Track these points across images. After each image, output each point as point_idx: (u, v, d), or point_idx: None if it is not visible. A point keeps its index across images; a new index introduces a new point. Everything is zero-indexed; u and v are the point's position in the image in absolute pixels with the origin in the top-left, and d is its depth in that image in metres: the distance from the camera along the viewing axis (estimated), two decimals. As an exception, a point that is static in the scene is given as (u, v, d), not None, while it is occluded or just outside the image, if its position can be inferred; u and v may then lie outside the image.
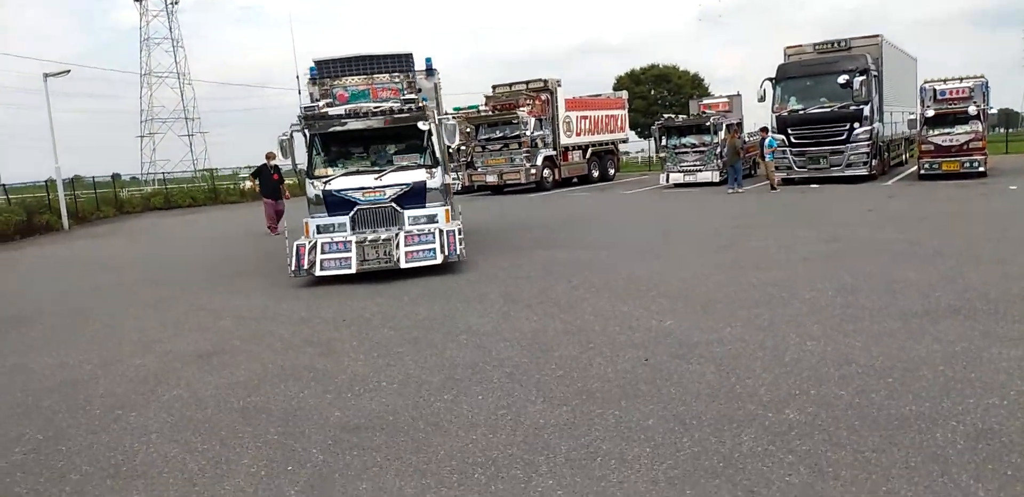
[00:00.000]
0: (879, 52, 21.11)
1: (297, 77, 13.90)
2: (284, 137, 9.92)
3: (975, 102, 19.85)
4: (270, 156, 16.41)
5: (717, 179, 23.03)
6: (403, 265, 9.52)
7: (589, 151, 28.65)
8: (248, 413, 4.95)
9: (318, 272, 9.50)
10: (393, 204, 10.07)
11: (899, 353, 5.22)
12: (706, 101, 28.01)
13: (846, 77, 19.63)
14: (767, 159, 20.49)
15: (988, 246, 9.34)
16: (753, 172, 25.58)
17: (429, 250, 9.61)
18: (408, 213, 10.03)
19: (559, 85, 26.04)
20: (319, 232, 9.94)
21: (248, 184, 29.17)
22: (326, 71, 11.52)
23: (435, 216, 10.06)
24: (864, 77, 19.76)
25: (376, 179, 10.09)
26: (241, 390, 5.45)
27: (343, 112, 10.32)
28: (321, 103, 10.94)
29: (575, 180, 28.36)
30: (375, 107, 10.44)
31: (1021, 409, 4.11)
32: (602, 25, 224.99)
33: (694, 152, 23.85)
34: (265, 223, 16.87)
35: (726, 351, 5.56)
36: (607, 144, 30.06)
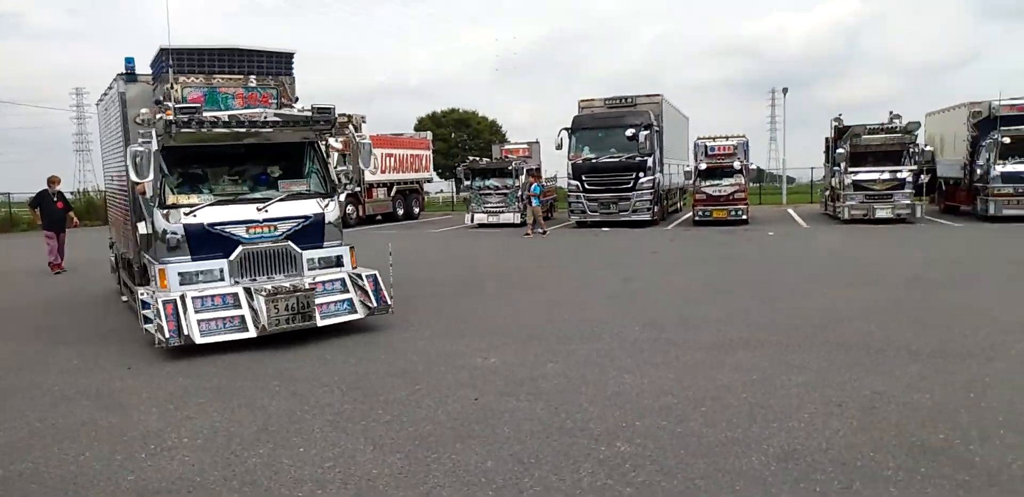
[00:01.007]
0: (660, 109, 23.43)
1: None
2: (141, 149, 7.05)
3: (739, 158, 22.63)
4: (53, 181, 14.37)
5: (518, 220, 23.92)
6: (319, 322, 7.50)
7: (394, 189, 28.57)
8: (12, 483, 4.11)
9: (199, 339, 6.98)
10: (289, 243, 7.83)
11: (707, 383, 5.61)
12: (508, 146, 29.25)
13: (633, 130, 21.49)
14: (534, 204, 21.58)
15: (761, 286, 10.50)
16: (551, 215, 26.93)
17: (342, 302, 7.80)
18: (306, 255, 7.91)
19: (363, 121, 25.80)
20: (184, 282, 7.32)
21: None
22: (178, 64, 8.03)
23: (340, 258, 8.11)
24: (648, 131, 21.78)
25: (261, 210, 7.71)
26: (1, 456, 4.53)
27: (224, 118, 7.61)
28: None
29: (379, 217, 28.06)
30: (269, 113, 7.91)
31: (816, 430, 4.55)
32: (401, 67, 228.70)
33: (497, 194, 24.62)
34: (48, 259, 14.54)
35: (552, 386, 5.63)
36: (412, 183, 30.20)
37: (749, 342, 6.92)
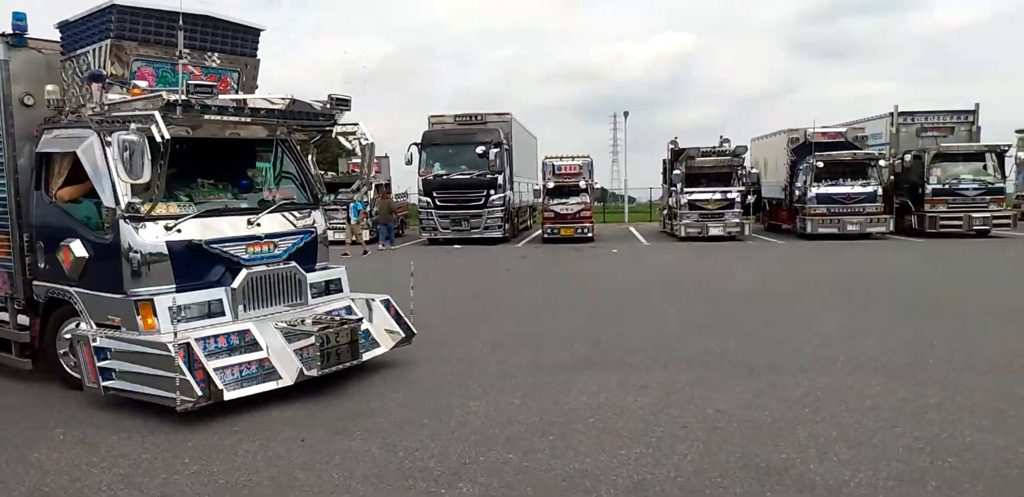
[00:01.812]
0: (509, 128, 23.61)
1: None
2: (135, 139, 5.08)
3: (584, 177, 23.22)
4: None
5: (368, 237, 23.10)
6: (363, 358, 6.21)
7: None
8: None
9: (228, 393, 5.28)
10: (295, 264, 6.36)
11: (554, 407, 5.36)
12: (355, 160, 28.28)
13: (483, 148, 21.45)
14: (352, 221, 21.05)
15: (608, 302, 10.57)
16: (402, 231, 26.30)
17: (363, 332, 6.44)
18: (310, 278, 6.51)
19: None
20: (181, 319, 5.37)
21: None
22: (128, 27, 5.87)
23: (339, 281, 6.89)
24: (498, 149, 21.83)
25: (252, 225, 6.15)
26: None
27: (232, 103, 5.88)
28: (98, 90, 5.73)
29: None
30: (277, 100, 6.20)
31: (664, 455, 4.40)
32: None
33: (342, 210, 23.68)
34: None
35: (391, 421, 5.14)
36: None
37: (595, 362, 6.80)
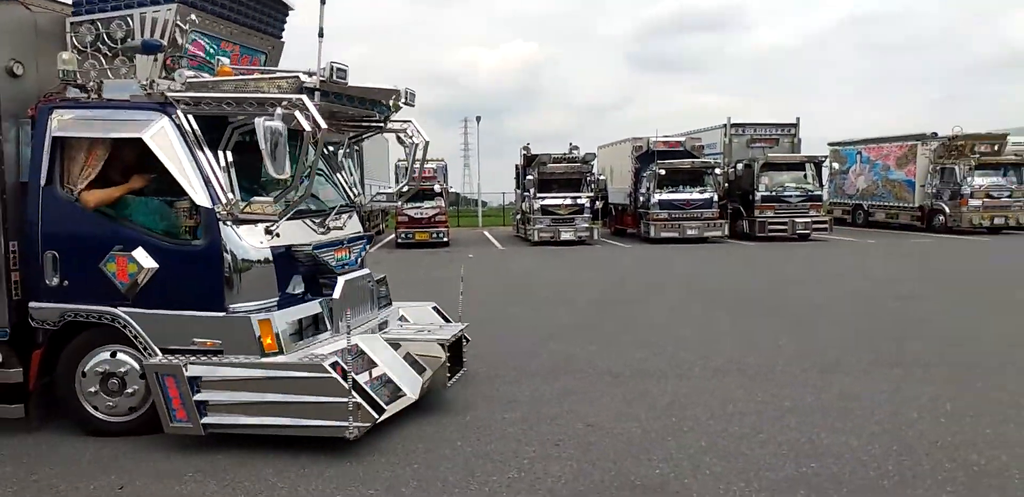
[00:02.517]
0: (359, 130, 22.76)
1: None
2: (278, 125, 4.30)
3: (438, 181, 22.88)
4: None
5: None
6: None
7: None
8: None
9: (387, 410, 4.74)
10: (369, 271, 5.92)
11: (417, 431, 4.94)
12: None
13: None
14: None
15: (467, 309, 10.23)
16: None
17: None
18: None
19: None
20: (300, 337, 4.86)
21: None
22: None
23: (387, 288, 6.45)
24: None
25: (328, 227, 5.45)
26: None
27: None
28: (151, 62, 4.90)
29: None
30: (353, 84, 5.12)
31: (538, 479, 4.12)
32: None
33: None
34: None
35: (230, 455, 4.49)
36: None
37: (461, 376, 6.44)
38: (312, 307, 5.10)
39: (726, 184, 22.65)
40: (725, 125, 24.22)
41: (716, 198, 21.61)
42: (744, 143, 24.01)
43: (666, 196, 21.63)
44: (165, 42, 4.85)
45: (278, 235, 4.88)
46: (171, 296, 4.70)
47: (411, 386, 5.08)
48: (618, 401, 5.61)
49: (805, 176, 22.23)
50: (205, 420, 4.49)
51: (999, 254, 17.49)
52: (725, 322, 8.88)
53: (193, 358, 4.55)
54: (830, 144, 28.27)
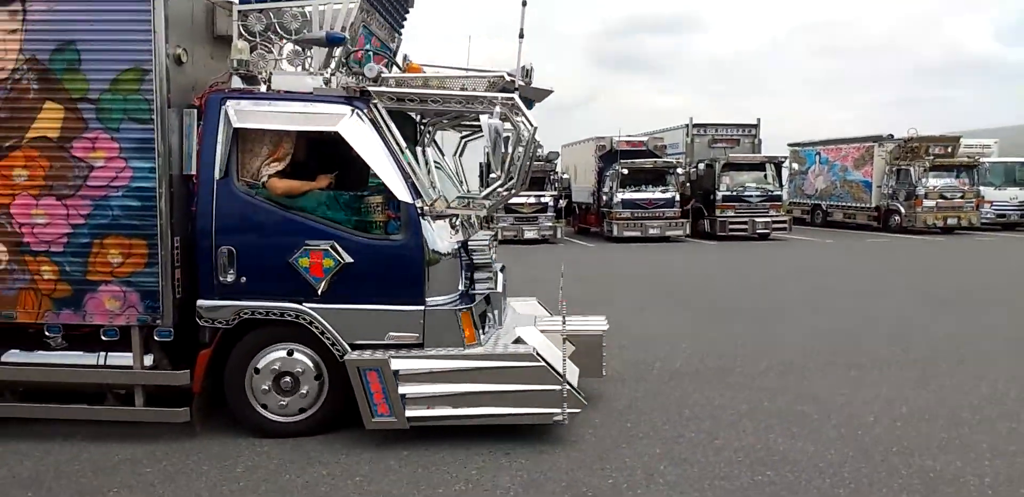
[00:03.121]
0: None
1: None
2: (497, 124, 4.40)
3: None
4: None
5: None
6: None
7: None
8: None
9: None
10: (503, 264, 5.95)
11: (362, 439, 4.71)
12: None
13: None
14: None
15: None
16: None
17: None
18: None
19: None
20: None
21: None
22: None
23: None
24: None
25: (472, 225, 5.60)
26: None
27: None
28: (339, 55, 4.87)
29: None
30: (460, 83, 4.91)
31: (487, 493, 3.93)
32: None
33: None
34: None
35: (159, 469, 4.22)
36: None
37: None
38: (481, 301, 5.08)
39: (688, 184, 22.73)
40: (687, 125, 24.31)
41: (678, 197, 21.67)
42: (706, 143, 24.13)
43: (629, 195, 21.56)
44: (347, 35, 4.77)
45: (457, 231, 5.01)
46: (366, 291, 4.65)
47: (574, 377, 5.09)
48: (573, 406, 5.44)
49: (765, 176, 22.40)
50: (409, 413, 4.48)
51: (952, 253, 17.82)
52: (685, 322, 8.81)
53: (393, 352, 4.55)
54: (790, 145, 28.58)
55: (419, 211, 4.62)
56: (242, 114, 4.64)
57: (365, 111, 4.62)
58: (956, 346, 7.36)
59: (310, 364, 4.71)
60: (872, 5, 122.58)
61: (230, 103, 4.66)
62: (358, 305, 4.64)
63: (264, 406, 4.73)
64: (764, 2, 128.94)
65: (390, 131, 4.65)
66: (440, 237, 4.75)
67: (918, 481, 4.11)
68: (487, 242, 5.19)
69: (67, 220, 4.57)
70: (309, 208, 4.74)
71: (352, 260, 4.59)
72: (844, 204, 25.52)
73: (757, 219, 21.67)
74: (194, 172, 4.72)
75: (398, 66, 5.12)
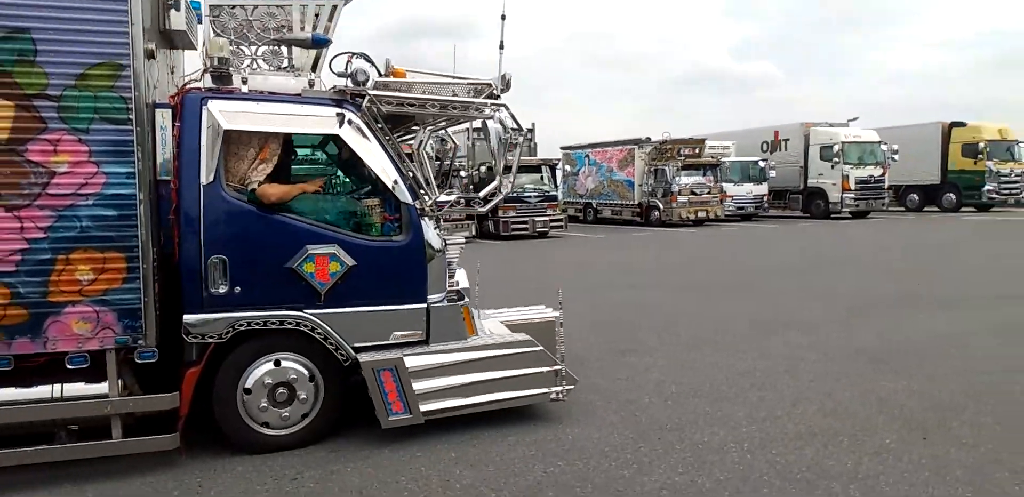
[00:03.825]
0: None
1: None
2: (499, 127, 4.75)
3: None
4: None
5: None
6: None
7: None
8: None
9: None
10: None
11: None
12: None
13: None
14: None
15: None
16: None
17: None
18: None
19: None
20: None
21: None
22: None
23: None
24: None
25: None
26: None
27: None
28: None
29: None
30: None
31: None
32: None
33: None
34: None
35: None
36: None
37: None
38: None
39: (471, 187, 23.19)
40: (468, 129, 24.77)
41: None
42: (486, 147, 24.77)
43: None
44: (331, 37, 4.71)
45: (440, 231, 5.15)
46: (370, 293, 4.67)
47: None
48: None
49: (542, 178, 23.54)
50: (423, 408, 4.61)
51: (701, 243, 19.95)
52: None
53: (408, 350, 4.66)
54: (562, 148, 30.36)
55: (419, 211, 4.73)
56: (230, 115, 4.35)
57: (357, 114, 4.60)
58: (714, 329, 8.17)
59: (303, 370, 4.58)
60: (630, 22, 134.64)
61: (213, 103, 4.35)
62: (361, 308, 4.64)
63: (265, 424, 4.52)
64: (537, 12, 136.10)
65: (384, 133, 4.68)
66: (434, 237, 4.90)
67: (690, 454, 4.45)
68: (462, 242, 5.34)
69: (21, 234, 3.93)
70: (306, 212, 4.61)
71: (355, 263, 4.56)
72: (612, 202, 27.61)
73: (536, 218, 22.69)
74: (171, 177, 4.29)
75: (378, 71, 4.87)
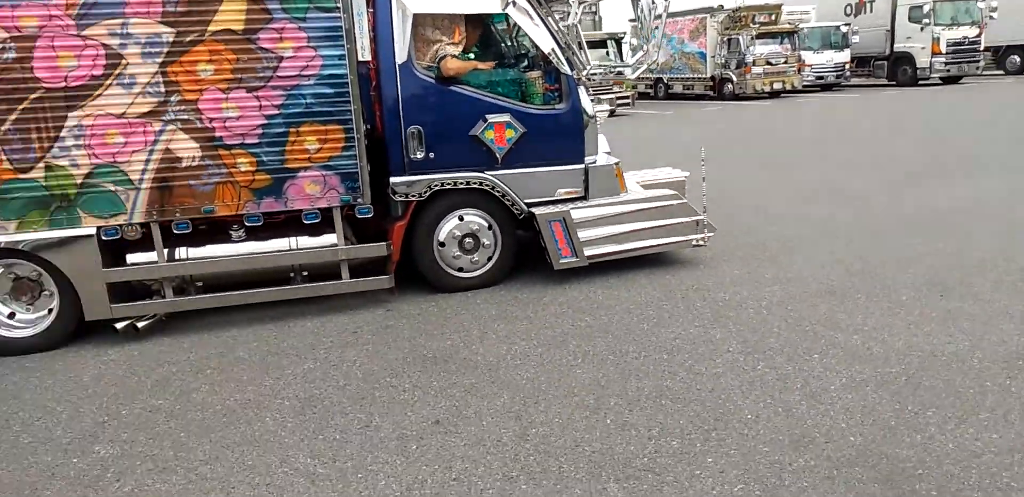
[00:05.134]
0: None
1: None
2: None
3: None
4: None
5: None
6: None
7: None
8: None
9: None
10: None
11: (212, 338, 4.86)
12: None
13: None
14: None
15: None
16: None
17: None
18: None
19: None
20: None
21: None
22: None
23: None
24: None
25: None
26: None
27: None
28: None
29: None
30: None
31: (334, 367, 4.26)
32: None
33: None
34: None
35: (0, 389, 4.22)
36: None
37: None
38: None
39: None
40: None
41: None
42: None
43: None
44: None
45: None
46: (537, 155, 5.38)
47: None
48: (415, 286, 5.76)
49: (607, 53, 22.76)
50: (587, 252, 5.43)
51: (772, 115, 19.24)
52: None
53: (571, 204, 5.43)
54: (631, 20, 28.91)
55: (577, 81, 5.35)
56: (415, 0, 4.98)
57: None
58: (763, 197, 8.24)
59: (483, 222, 5.40)
60: None
61: None
62: (531, 169, 5.37)
63: (460, 269, 5.42)
64: None
65: (544, 9, 5.27)
66: (588, 104, 5.50)
67: (709, 310, 4.82)
68: (606, 110, 5.98)
69: (260, 111, 4.69)
70: (483, 86, 5.29)
71: (525, 129, 5.25)
72: (683, 76, 26.54)
73: (602, 96, 22.23)
74: (370, 58, 5.02)
75: None
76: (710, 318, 4.68)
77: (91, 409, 3.88)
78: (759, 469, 2.98)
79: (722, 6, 24.90)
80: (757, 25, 23.79)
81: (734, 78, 24.18)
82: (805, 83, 24.99)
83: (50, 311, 4.73)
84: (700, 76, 25.65)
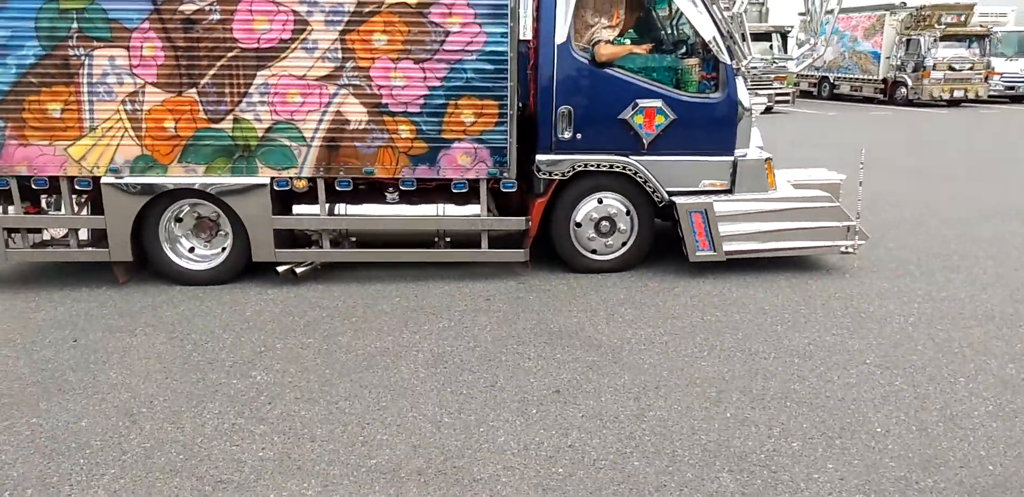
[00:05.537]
0: None
1: None
2: None
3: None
4: None
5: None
6: None
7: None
8: None
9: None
10: None
11: (359, 289, 5.24)
12: None
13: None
14: None
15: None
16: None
17: None
18: None
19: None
20: None
21: None
22: None
23: None
24: None
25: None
26: None
27: None
28: None
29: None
30: None
31: (466, 329, 4.49)
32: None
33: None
34: None
35: (178, 313, 4.78)
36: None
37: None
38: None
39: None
40: None
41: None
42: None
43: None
44: None
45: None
46: (685, 144, 5.31)
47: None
48: (547, 263, 5.90)
49: (771, 47, 21.78)
50: (726, 248, 5.30)
51: (949, 125, 17.75)
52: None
53: (715, 197, 5.32)
54: (800, 14, 27.42)
55: (736, 71, 5.23)
56: None
57: None
58: (925, 211, 7.72)
59: (622, 207, 5.41)
60: None
61: None
62: (677, 157, 5.31)
63: (593, 251, 5.49)
64: None
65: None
66: (745, 96, 5.34)
67: (850, 320, 4.63)
68: (763, 103, 5.88)
69: (424, 82, 4.97)
70: (637, 70, 5.27)
71: (676, 116, 5.20)
72: (852, 76, 24.93)
73: (760, 92, 21.32)
74: (530, 37, 5.23)
75: None
76: (850, 328, 4.50)
77: (251, 339, 4.33)
78: (882, 482, 2.89)
79: (905, 3, 23.09)
80: (943, 26, 21.87)
81: (909, 82, 22.42)
82: (991, 93, 22.83)
83: (223, 249, 5.28)
84: (871, 78, 23.98)
